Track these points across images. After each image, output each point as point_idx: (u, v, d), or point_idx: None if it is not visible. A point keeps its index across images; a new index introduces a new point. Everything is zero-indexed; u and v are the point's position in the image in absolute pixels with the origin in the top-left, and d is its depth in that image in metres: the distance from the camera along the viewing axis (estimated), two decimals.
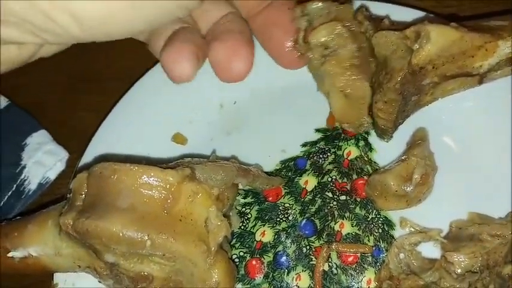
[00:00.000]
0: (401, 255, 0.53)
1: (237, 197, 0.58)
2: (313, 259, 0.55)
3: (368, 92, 0.52)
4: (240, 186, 0.55)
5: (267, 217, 0.57)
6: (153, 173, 0.47)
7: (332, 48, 0.52)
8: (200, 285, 0.48)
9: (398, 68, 0.50)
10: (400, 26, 0.52)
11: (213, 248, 0.47)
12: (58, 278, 0.56)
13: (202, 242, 0.47)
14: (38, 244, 0.51)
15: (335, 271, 0.54)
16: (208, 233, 0.48)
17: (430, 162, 0.54)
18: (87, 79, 0.70)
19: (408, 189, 0.52)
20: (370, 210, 0.56)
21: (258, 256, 0.56)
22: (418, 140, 0.55)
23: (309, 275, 0.55)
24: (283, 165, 0.59)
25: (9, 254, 0.51)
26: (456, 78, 0.53)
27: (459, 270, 0.51)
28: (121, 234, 0.44)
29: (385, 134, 0.54)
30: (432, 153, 0.55)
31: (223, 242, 0.50)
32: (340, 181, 0.58)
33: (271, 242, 0.56)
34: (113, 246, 0.45)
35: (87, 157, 0.59)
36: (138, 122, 0.61)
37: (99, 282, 0.52)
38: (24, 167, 0.62)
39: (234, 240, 0.57)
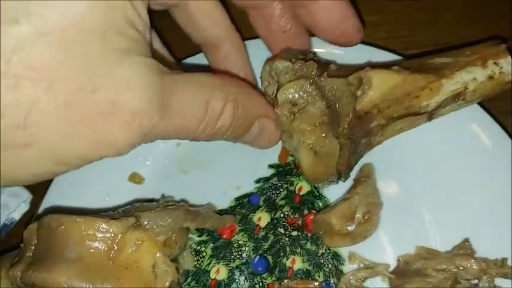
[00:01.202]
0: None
1: (192, 235, 0.60)
2: None
3: (337, 148, 0.52)
4: (193, 230, 0.57)
5: (221, 255, 0.59)
6: (97, 225, 0.48)
7: (300, 105, 0.52)
8: None
9: (345, 114, 0.51)
10: (347, 70, 0.53)
11: None
12: None
13: None
14: None
15: None
16: (156, 279, 0.50)
17: (373, 199, 0.55)
18: None
19: (350, 228, 0.54)
20: (321, 246, 0.57)
21: None
22: (363, 177, 0.56)
23: None
24: (237, 202, 0.61)
25: None
26: (404, 118, 0.54)
27: None
28: (66, 286, 0.46)
29: (341, 176, 0.55)
30: (377, 190, 0.56)
31: (172, 285, 0.52)
32: (292, 217, 0.59)
33: (225, 280, 0.58)
34: None
35: (48, 201, 0.61)
36: (97, 163, 0.62)
37: None
38: None
39: (189, 279, 0.58)
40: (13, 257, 0.52)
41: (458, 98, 0.54)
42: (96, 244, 0.48)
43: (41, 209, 0.60)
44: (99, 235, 0.48)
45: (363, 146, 0.55)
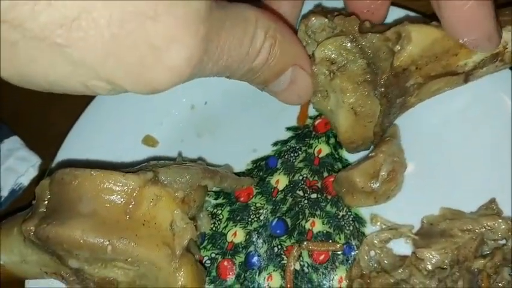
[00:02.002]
0: (372, 253, 0.53)
1: (208, 198, 0.58)
2: (285, 258, 0.55)
3: (377, 109, 0.50)
4: (211, 188, 0.55)
5: (238, 217, 0.57)
6: (114, 178, 0.46)
7: (340, 64, 0.49)
8: None
9: (381, 71, 0.49)
10: (380, 27, 0.50)
11: (177, 251, 0.47)
12: (30, 283, 0.56)
13: (166, 246, 0.46)
14: (3, 252, 0.51)
15: (306, 270, 0.54)
16: (174, 236, 0.48)
17: (398, 159, 0.53)
18: None
19: (375, 186, 0.52)
20: (341, 208, 0.56)
21: (229, 257, 0.56)
22: (389, 136, 0.54)
23: (281, 274, 0.54)
24: (254, 165, 0.59)
25: None
26: (441, 78, 0.52)
27: (429, 267, 0.50)
28: (81, 240, 0.44)
29: (374, 140, 0.53)
30: (402, 150, 0.54)
31: (190, 245, 0.50)
32: (311, 179, 0.57)
33: (242, 243, 0.56)
34: (75, 251, 0.45)
35: (60, 157, 0.59)
36: (109, 126, 0.61)
37: None
38: None
39: (205, 242, 0.56)
40: (25, 215, 0.50)
41: (496, 59, 0.51)
42: (113, 198, 0.46)
43: (53, 164, 0.58)
44: (116, 188, 0.46)
45: (397, 107, 0.52)
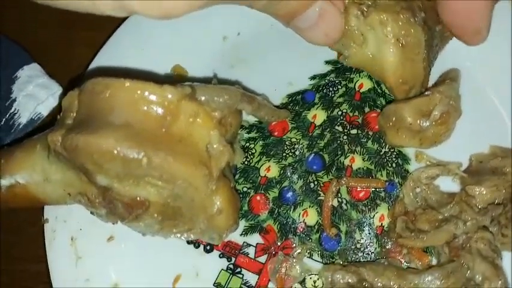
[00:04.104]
0: (418, 190, 0.50)
1: (240, 131, 0.55)
2: (321, 195, 0.51)
3: (422, 38, 0.46)
4: (244, 117, 0.52)
5: (272, 152, 0.54)
6: (150, 89, 0.42)
7: (369, 1, 0.46)
8: (201, 213, 0.44)
9: None
10: None
11: (215, 173, 0.44)
12: (48, 214, 0.52)
13: (203, 165, 0.43)
14: (25, 170, 0.47)
15: (345, 207, 0.51)
16: (210, 158, 0.44)
17: (455, 103, 0.49)
18: (82, 13, 0.66)
19: (424, 124, 0.47)
20: (383, 144, 0.52)
21: (262, 192, 0.52)
22: (449, 78, 0.50)
23: (317, 210, 0.51)
24: (290, 99, 0.55)
25: None
26: None
27: (481, 204, 0.47)
28: (114, 151, 0.41)
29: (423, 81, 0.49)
30: (459, 95, 0.50)
31: (226, 170, 0.46)
32: (351, 114, 0.54)
33: (276, 178, 0.53)
34: (106, 165, 0.41)
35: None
36: (136, 53, 0.57)
37: (91, 213, 0.48)
38: (14, 100, 0.59)
39: (237, 176, 0.53)
40: (49, 131, 0.46)
41: None
42: (148, 110, 0.42)
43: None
44: (152, 99, 0.42)
45: (438, 37, 0.49)
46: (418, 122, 0.48)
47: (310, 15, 0.43)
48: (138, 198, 0.44)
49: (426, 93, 0.50)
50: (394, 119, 0.49)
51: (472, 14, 0.46)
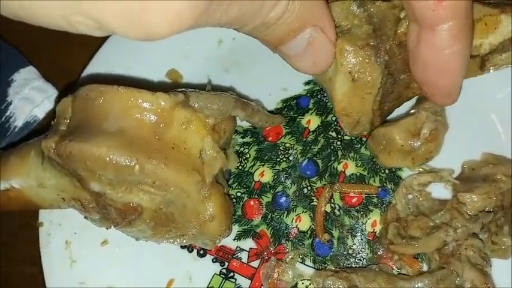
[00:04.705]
0: (410, 196, 0.50)
1: (235, 136, 0.55)
2: (315, 200, 0.52)
3: (378, 80, 0.45)
4: (239, 122, 0.52)
5: (266, 157, 0.54)
6: (143, 96, 0.43)
7: (344, 27, 0.45)
8: (193, 219, 0.44)
9: (386, 39, 0.44)
10: None
11: (208, 180, 0.44)
12: (43, 217, 0.53)
13: (196, 172, 0.43)
14: (20, 175, 0.47)
15: (338, 212, 0.51)
16: (203, 165, 0.44)
17: (441, 118, 0.49)
18: None
19: (415, 144, 0.47)
20: None
21: (256, 197, 0.53)
22: None
23: (310, 216, 0.51)
24: (284, 104, 0.56)
25: None
26: None
27: (472, 211, 0.47)
28: (107, 158, 0.41)
29: (373, 121, 0.48)
30: (444, 109, 0.50)
31: (219, 176, 0.47)
32: None
33: (270, 183, 0.53)
34: (99, 172, 0.42)
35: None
36: (132, 57, 0.57)
37: (85, 218, 0.48)
38: (10, 104, 0.59)
39: (231, 180, 0.53)
40: (43, 137, 0.47)
41: None
42: (141, 117, 0.42)
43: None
44: (146, 107, 0.43)
45: (401, 86, 0.47)
46: (409, 142, 0.48)
47: (298, 42, 0.41)
48: (131, 204, 0.44)
49: (411, 111, 0.50)
50: (384, 142, 0.49)
51: (445, 72, 0.42)
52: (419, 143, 0.48)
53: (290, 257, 0.50)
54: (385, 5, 0.46)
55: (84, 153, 0.41)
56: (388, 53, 0.45)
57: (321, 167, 0.53)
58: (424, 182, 0.50)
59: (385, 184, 0.52)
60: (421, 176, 0.50)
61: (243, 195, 0.53)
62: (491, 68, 0.49)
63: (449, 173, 0.50)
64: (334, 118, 0.55)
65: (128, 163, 0.41)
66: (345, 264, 0.49)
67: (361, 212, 0.51)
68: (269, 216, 0.52)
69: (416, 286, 0.45)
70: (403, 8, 0.45)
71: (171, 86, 0.53)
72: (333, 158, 0.53)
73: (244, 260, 0.51)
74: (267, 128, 0.55)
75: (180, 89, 0.48)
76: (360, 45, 0.44)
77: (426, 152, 0.49)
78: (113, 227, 0.47)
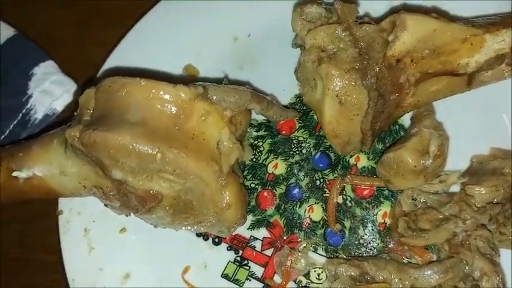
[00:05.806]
0: (416, 195, 0.51)
1: (249, 130, 0.56)
2: (327, 192, 0.53)
3: (365, 102, 0.46)
4: (253, 116, 0.54)
5: (279, 150, 0.55)
6: (164, 88, 0.45)
7: (330, 51, 0.47)
8: (211, 206, 0.46)
9: (374, 62, 0.46)
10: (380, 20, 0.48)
11: (225, 169, 0.46)
12: (63, 205, 0.54)
13: (214, 162, 0.45)
14: (42, 163, 0.49)
15: (349, 204, 0.53)
16: (221, 155, 0.46)
17: (442, 131, 0.50)
18: (96, 14, 0.68)
19: (427, 163, 0.48)
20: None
21: (269, 188, 0.54)
22: (425, 111, 0.51)
23: (322, 207, 0.53)
24: (298, 99, 0.57)
25: (14, 174, 0.49)
26: (440, 77, 0.48)
27: (480, 203, 0.49)
28: (130, 146, 0.43)
29: (364, 140, 0.49)
30: (440, 122, 0.52)
31: (235, 166, 0.48)
32: None
33: (283, 175, 0.54)
34: (122, 159, 0.44)
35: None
36: (148, 54, 0.59)
37: (105, 206, 0.50)
38: (30, 96, 0.61)
39: (245, 172, 0.55)
40: (65, 127, 0.48)
41: (502, 61, 0.48)
42: (162, 108, 0.44)
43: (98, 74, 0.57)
44: (167, 98, 0.44)
45: (392, 106, 0.48)
46: (421, 162, 0.49)
47: None
48: (152, 192, 0.46)
49: (412, 131, 0.51)
50: (396, 166, 0.49)
51: None
52: (430, 161, 0.49)
53: (303, 246, 0.51)
54: (373, 28, 0.47)
55: (108, 142, 0.43)
56: (377, 75, 0.46)
57: (333, 160, 0.54)
58: (433, 192, 0.51)
59: None
60: (432, 187, 0.51)
61: (257, 186, 0.54)
62: (478, 84, 0.50)
63: (457, 175, 0.51)
64: None
65: (150, 151, 0.43)
66: (356, 253, 0.51)
67: (372, 204, 0.52)
68: (282, 207, 0.53)
69: (426, 273, 0.46)
70: (391, 30, 0.47)
71: (190, 80, 0.55)
72: None
73: (258, 248, 0.52)
74: (281, 122, 0.56)
75: (198, 83, 0.50)
76: (345, 69, 0.46)
77: (436, 167, 0.50)
78: (132, 214, 0.48)
